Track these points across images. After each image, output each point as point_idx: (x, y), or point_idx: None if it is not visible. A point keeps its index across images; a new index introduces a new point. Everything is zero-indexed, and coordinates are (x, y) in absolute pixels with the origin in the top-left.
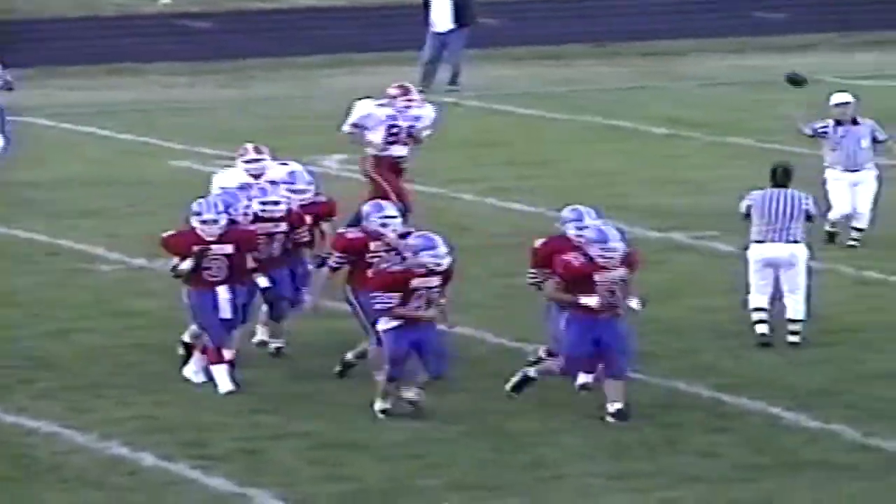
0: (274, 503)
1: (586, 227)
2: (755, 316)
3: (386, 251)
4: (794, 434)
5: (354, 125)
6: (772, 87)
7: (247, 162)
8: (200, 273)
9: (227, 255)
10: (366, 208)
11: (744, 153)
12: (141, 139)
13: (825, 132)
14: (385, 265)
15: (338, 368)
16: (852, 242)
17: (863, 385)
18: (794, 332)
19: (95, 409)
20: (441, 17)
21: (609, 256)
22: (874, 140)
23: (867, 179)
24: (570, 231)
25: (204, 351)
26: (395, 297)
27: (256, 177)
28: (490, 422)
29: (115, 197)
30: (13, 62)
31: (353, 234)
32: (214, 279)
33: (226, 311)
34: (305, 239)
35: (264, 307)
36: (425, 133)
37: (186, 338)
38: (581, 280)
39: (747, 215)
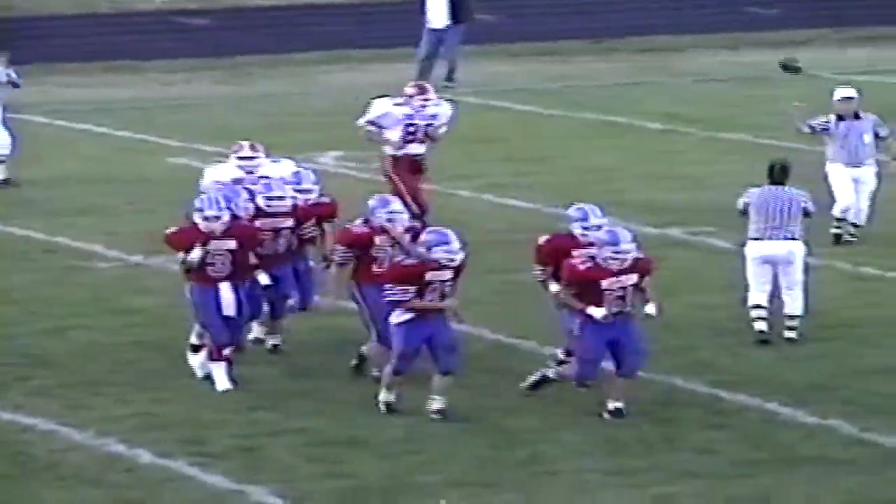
0: (272, 500)
1: (594, 227)
2: (754, 313)
3: (391, 245)
4: (791, 430)
5: (371, 123)
6: (766, 83)
7: (241, 158)
8: (204, 269)
9: (231, 251)
10: (371, 203)
11: (739, 149)
12: (138, 136)
13: (826, 128)
14: (398, 259)
15: (354, 362)
16: (849, 238)
17: (860, 380)
18: (791, 328)
19: (93, 407)
20: (437, 13)
21: (620, 259)
22: (876, 135)
23: (867, 175)
24: (576, 230)
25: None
26: (410, 291)
27: (249, 174)
28: (488, 418)
29: (112, 194)
30: (11, 59)
31: (358, 228)
32: (218, 275)
33: (230, 309)
34: (311, 235)
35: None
36: (442, 131)
37: (194, 339)
38: (588, 285)
39: (744, 212)
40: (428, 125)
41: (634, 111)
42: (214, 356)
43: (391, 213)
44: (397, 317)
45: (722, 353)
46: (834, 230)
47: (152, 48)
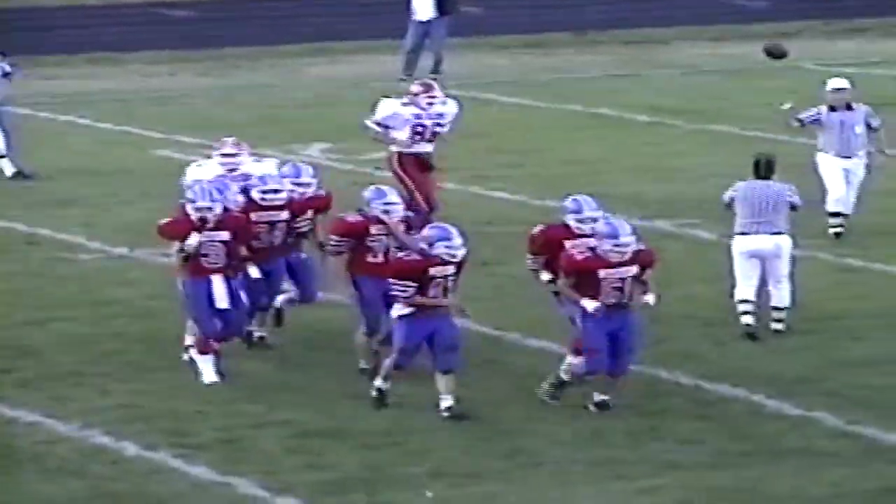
0: (255, 491)
1: (588, 219)
2: (741, 308)
3: (386, 235)
4: (776, 421)
5: (379, 124)
6: (753, 75)
7: (223, 155)
8: (198, 260)
9: (224, 243)
10: (367, 193)
11: (725, 140)
12: (121, 128)
13: (816, 119)
14: (400, 253)
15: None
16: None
17: (844, 372)
18: (778, 320)
19: (76, 399)
20: (423, 5)
21: (620, 252)
22: (868, 126)
23: (858, 166)
24: (571, 221)
25: (218, 340)
26: (412, 286)
27: (231, 171)
28: (472, 410)
29: (95, 186)
30: None
31: (352, 218)
32: (212, 266)
33: (223, 301)
34: (306, 228)
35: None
36: (447, 129)
37: (189, 341)
38: (585, 275)
39: (729, 205)
40: (436, 124)
41: (620, 103)
42: (202, 349)
43: (387, 203)
44: (398, 310)
45: (707, 344)
46: (834, 229)
47: (136, 40)
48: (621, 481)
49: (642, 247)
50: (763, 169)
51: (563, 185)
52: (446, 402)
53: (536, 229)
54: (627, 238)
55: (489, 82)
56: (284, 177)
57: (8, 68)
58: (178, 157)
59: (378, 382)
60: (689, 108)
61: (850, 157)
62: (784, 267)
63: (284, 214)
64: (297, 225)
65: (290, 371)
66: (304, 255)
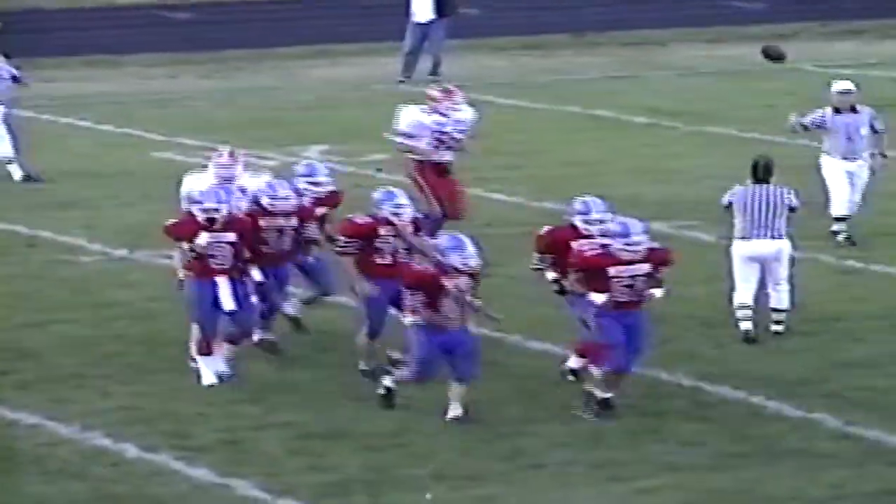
0: (256, 493)
1: (595, 221)
2: (740, 313)
3: (394, 237)
4: (776, 423)
5: (404, 135)
6: (751, 76)
7: (219, 166)
8: (206, 261)
9: (231, 244)
10: (376, 195)
11: (723, 142)
12: (122, 130)
13: (820, 123)
14: (414, 263)
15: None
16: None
17: (844, 374)
18: (778, 322)
19: (76, 401)
20: (422, 7)
21: (632, 251)
22: (872, 129)
23: (861, 169)
24: (578, 222)
25: (230, 341)
26: (423, 298)
27: (225, 181)
28: (472, 412)
29: (96, 188)
30: None
31: (361, 219)
32: (219, 267)
33: (229, 303)
34: (314, 236)
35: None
36: (466, 136)
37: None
38: (595, 272)
39: (728, 207)
40: (458, 131)
41: (618, 105)
42: (203, 350)
43: (397, 205)
44: (413, 320)
45: (706, 345)
46: (842, 236)
47: (135, 42)
48: (621, 483)
49: (656, 245)
50: (761, 172)
51: (562, 187)
52: (455, 411)
53: (543, 229)
54: (639, 237)
55: (487, 84)
56: (300, 175)
57: (16, 72)
58: (179, 160)
59: (387, 381)
60: (687, 109)
61: (854, 160)
62: (784, 270)
63: (293, 221)
64: (305, 232)
65: (292, 372)
66: (313, 257)
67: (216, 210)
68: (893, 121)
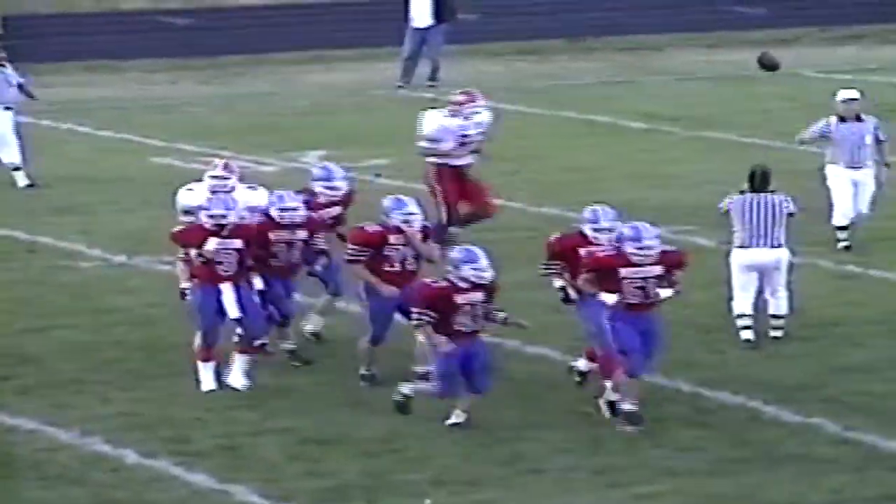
0: (255, 499)
1: (604, 230)
2: (740, 322)
3: (404, 245)
4: (776, 428)
5: (430, 139)
6: (748, 82)
7: (213, 178)
8: (213, 268)
9: (237, 251)
10: (386, 203)
11: (721, 147)
12: (121, 136)
13: (826, 131)
14: (427, 279)
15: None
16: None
17: (844, 379)
18: (777, 328)
19: (76, 406)
20: (420, 12)
21: (643, 255)
22: (876, 139)
23: (867, 177)
24: (588, 231)
25: (243, 351)
26: (432, 314)
27: (220, 193)
28: (471, 416)
29: (95, 194)
30: None
31: (371, 227)
32: (225, 274)
33: (233, 311)
34: (323, 247)
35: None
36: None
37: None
38: (606, 273)
39: (726, 212)
40: (479, 134)
41: (615, 110)
42: (203, 356)
43: (407, 213)
44: (445, 346)
45: (705, 351)
46: (842, 243)
47: (133, 48)
48: (621, 488)
49: (669, 248)
50: (759, 181)
51: (561, 193)
52: (458, 418)
53: (553, 237)
54: (650, 241)
55: (486, 89)
56: (316, 179)
57: (22, 80)
58: (178, 165)
59: (406, 389)
60: (685, 114)
61: (859, 168)
62: (783, 279)
63: (302, 233)
64: (314, 244)
65: (290, 378)
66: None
67: (224, 216)
68: (894, 127)
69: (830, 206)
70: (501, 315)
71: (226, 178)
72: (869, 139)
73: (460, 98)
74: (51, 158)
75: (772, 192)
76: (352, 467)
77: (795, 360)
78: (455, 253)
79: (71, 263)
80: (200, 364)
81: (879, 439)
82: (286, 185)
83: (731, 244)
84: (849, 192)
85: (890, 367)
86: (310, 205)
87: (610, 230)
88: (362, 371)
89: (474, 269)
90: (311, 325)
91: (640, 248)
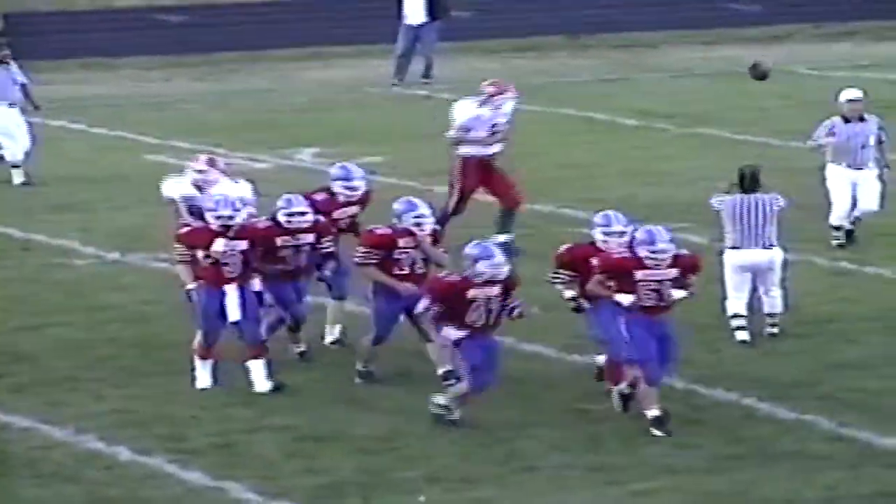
0: (250, 496)
1: (615, 234)
2: (734, 323)
3: (414, 248)
4: (770, 425)
5: (462, 128)
6: (742, 78)
7: (196, 171)
8: (218, 269)
9: (243, 252)
10: (396, 206)
11: (716, 144)
12: (115, 133)
13: (832, 132)
14: (441, 273)
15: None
16: (850, 227)
17: (838, 376)
18: (773, 325)
19: (70, 404)
20: (414, 9)
21: (656, 259)
22: (878, 140)
23: (869, 177)
24: (598, 235)
25: (254, 356)
26: (440, 306)
27: (200, 188)
28: (466, 414)
29: (89, 191)
30: None
31: (381, 230)
32: (231, 275)
33: (234, 314)
34: (331, 250)
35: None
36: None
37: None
38: (621, 276)
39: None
40: (507, 123)
41: (612, 107)
42: (202, 354)
43: (418, 216)
44: (452, 335)
45: (700, 348)
46: (836, 241)
47: (129, 45)
48: (618, 486)
49: (683, 252)
50: (748, 182)
51: (557, 189)
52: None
53: (563, 247)
54: (664, 245)
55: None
56: (335, 178)
57: (26, 81)
58: (172, 163)
59: (441, 400)
60: (680, 111)
61: (861, 168)
62: (776, 278)
63: (310, 237)
64: (321, 247)
65: (285, 376)
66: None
67: (230, 218)
68: (889, 123)
69: (828, 204)
70: (517, 311)
71: (207, 172)
72: (872, 140)
73: (491, 89)
74: (46, 156)
75: (759, 191)
76: (347, 464)
77: (790, 357)
78: (471, 249)
79: (65, 261)
80: (199, 361)
81: (874, 436)
82: (279, 182)
83: (723, 244)
84: (848, 194)
85: (884, 363)
86: (317, 207)
87: (621, 234)
88: (359, 367)
89: (490, 265)
90: (329, 336)
91: (654, 252)
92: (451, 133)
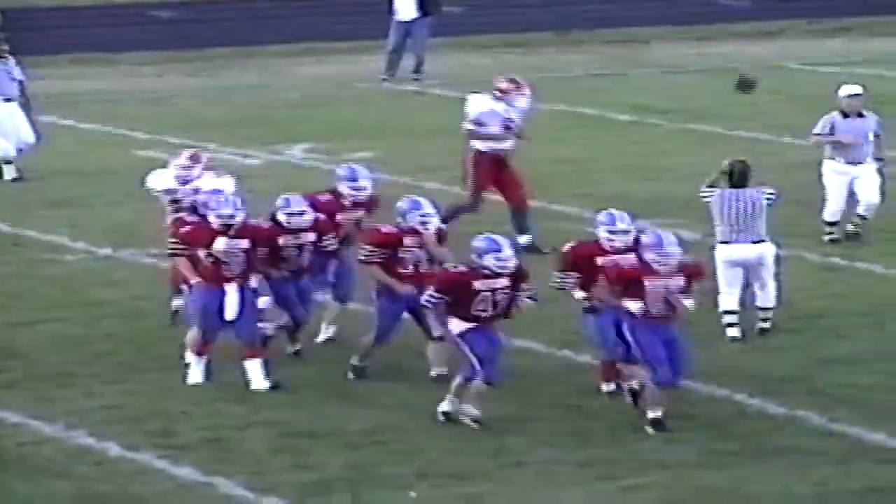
0: (240, 492)
1: (620, 232)
2: (726, 319)
3: (419, 247)
4: (762, 420)
5: (475, 122)
6: (736, 74)
7: (178, 167)
8: (219, 267)
9: (244, 251)
10: (401, 204)
11: (711, 140)
12: (106, 129)
13: (832, 127)
14: (448, 266)
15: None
16: (856, 230)
17: (829, 371)
18: (765, 319)
19: (61, 399)
20: (405, 5)
21: (664, 262)
22: (875, 135)
23: (867, 172)
24: (602, 234)
25: (251, 355)
26: (444, 298)
27: (183, 184)
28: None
29: (81, 187)
30: None
31: (386, 228)
32: (231, 274)
33: (231, 313)
34: (333, 248)
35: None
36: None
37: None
38: (630, 284)
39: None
40: (521, 120)
41: (603, 103)
42: (198, 350)
43: (424, 215)
44: (457, 328)
45: (693, 344)
46: (828, 237)
47: (124, 40)
48: (607, 481)
49: (689, 259)
50: (737, 178)
51: (551, 185)
52: (472, 409)
53: (566, 247)
54: (671, 249)
55: (471, 82)
56: (342, 179)
57: (24, 79)
58: (163, 158)
59: (445, 407)
60: (673, 107)
61: (859, 164)
62: (768, 272)
63: (311, 236)
64: (323, 245)
65: (276, 371)
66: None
67: (232, 217)
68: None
69: (822, 199)
70: (524, 303)
71: (190, 168)
72: (870, 136)
73: (505, 85)
74: (37, 151)
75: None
76: (337, 460)
77: (781, 353)
78: (478, 242)
79: (56, 256)
80: (193, 357)
81: (864, 431)
82: (270, 177)
83: (714, 238)
84: (843, 191)
85: (875, 359)
86: (316, 207)
87: (626, 233)
88: (354, 362)
89: (497, 258)
90: (323, 334)
91: (662, 255)
92: (466, 127)
